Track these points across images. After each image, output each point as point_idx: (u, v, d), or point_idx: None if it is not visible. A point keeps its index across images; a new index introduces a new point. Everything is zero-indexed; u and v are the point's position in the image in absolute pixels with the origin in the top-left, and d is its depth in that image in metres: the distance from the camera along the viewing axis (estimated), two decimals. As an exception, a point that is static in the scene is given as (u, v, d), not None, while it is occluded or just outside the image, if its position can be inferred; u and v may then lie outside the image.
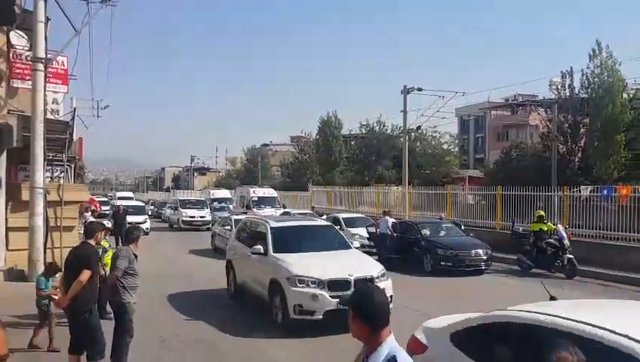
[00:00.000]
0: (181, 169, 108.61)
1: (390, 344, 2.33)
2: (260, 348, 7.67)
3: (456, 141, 51.28)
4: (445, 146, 45.81)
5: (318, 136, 48.51)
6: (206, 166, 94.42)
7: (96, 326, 5.86)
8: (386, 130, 44.39)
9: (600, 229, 15.49)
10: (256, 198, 30.86)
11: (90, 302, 5.85)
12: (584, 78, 27.63)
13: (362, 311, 2.35)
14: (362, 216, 22.84)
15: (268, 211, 29.24)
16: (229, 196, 37.18)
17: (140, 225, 23.38)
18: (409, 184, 26.55)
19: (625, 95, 27.29)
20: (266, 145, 79.50)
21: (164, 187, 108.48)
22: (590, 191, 17.27)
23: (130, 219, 22.79)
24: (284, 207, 30.72)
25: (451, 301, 11.27)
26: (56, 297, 6.73)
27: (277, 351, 7.56)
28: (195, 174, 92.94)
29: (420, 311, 9.65)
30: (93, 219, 14.58)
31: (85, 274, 5.66)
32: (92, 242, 6.20)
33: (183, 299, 11.15)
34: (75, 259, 5.91)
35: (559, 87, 28.41)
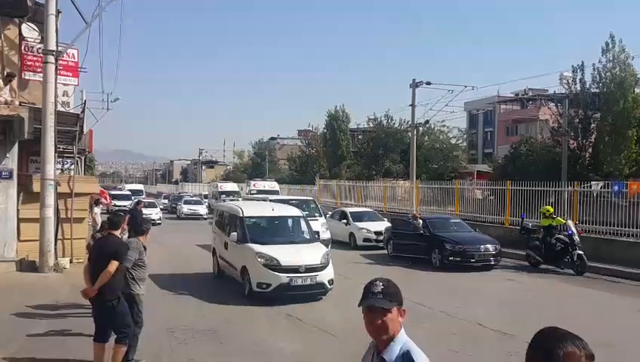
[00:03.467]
0: (189, 162, 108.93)
1: (402, 339, 2.30)
2: (266, 339, 7.71)
3: (465, 135, 50.97)
4: (453, 141, 45.55)
5: (325, 130, 48.44)
6: (214, 159, 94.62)
7: (124, 312, 5.98)
8: (394, 124, 44.26)
9: (610, 225, 15.37)
10: (254, 191, 30.92)
11: (117, 290, 5.95)
12: (596, 72, 27.32)
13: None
14: (369, 210, 22.67)
15: None
16: (237, 189, 37.20)
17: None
18: (417, 178, 26.48)
19: (637, 90, 26.96)
20: (274, 138, 79.45)
21: (173, 180, 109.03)
22: (601, 187, 17.14)
23: None
24: None
25: (456, 296, 11.28)
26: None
27: (282, 342, 7.60)
28: (203, 167, 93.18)
29: (430, 306, 9.68)
30: (98, 211, 14.63)
31: (113, 265, 5.76)
32: (117, 233, 6.31)
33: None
34: (103, 250, 6.00)
35: (570, 81, 28.10)
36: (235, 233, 11.06)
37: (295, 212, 12.73)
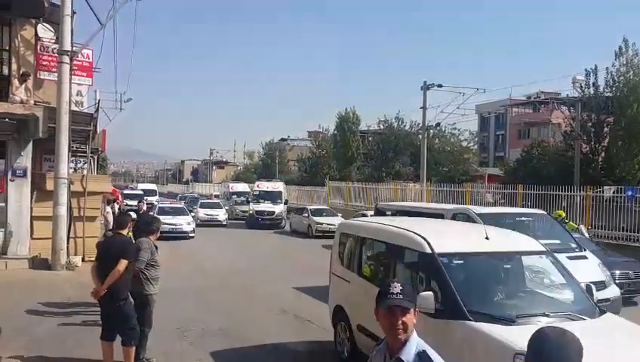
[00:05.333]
0: (200, 162, 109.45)
1: (416, 339, 2.35)
2: (275, 340, 7.73)
3: (476, 138, 50.65)
4: (464, 143, 45.34)
5: (335, 132, 48.40)
6: (224, 159, 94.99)
7: (131, 314, 6.00)
8: (405, 126, 44.17)
9: (623, 230, 15.23)
10: (257, 192, 30.60)
11: (126, 291, 5.98)
12: (609, 76, 27.10)
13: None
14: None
15: (265, 206, 28.69)
16: (248, 190, 37.15)
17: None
18: (427, 181, 26.38)
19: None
20: (284, 139, 79.51)
21: (184, 180, 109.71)
22: (613, 192, 16.99)
23: None
24: (287, 203, 30.43)
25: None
26: None
27: (291, 342, 7.61)
28: (214, 168, 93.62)
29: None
30: (110, 210, 14.76)
31: (122, 264, 5.78)
32: (124, 232, 6.36)
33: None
34: (111, 249, 6.04)
35: (583, 85, 27.90)
36: (429, 294, 4.74)
37: (531, 244, 5.96)
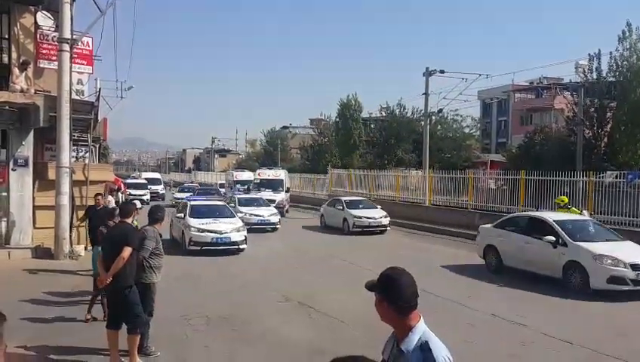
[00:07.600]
0: (202, 150, 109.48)
1: (421, 329, 2.31)
2: (278, 326, 7.77)
3: (478, 125, 50.35)
4: (467, 130, 45.12)
5: (337, 119, 48.21)
6: (226, 148, 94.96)
7: (136, 302, 6.01)
8: (407, 113, 43.96)
9: (625, 216, 15.20)
10: (258, 180, 30.25)
11: (130, 278, 5.99)
12: (612, 61, 26.88)
13: (389, 295, 2.31)
14: (587, 217, 13.38)
15: (265, 194, 27.71)
16: (252, 178, 37.03)
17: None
18: (429, 168, 26.34)
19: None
20: (286, 127, 79.27)
21: (186, 168, 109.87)
22: (615, 177, 16.94)
23: None
24: (288, 191, 30.18)
25: (466, 287, 11.24)
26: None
27: (294, 329, 7.65)
28: (216, 156, 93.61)
29: (440, 296, 9.65)
30: (112, 199, 14.78)
31: (127, 251, 5.81)
32: (128, 220, 6.37)
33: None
34: (114, 237, 6.07)
35: (586, 70, 27.69)
36: None
37: None
